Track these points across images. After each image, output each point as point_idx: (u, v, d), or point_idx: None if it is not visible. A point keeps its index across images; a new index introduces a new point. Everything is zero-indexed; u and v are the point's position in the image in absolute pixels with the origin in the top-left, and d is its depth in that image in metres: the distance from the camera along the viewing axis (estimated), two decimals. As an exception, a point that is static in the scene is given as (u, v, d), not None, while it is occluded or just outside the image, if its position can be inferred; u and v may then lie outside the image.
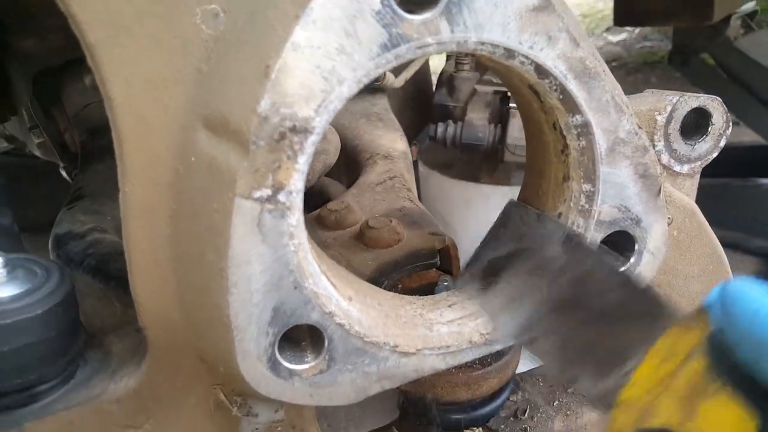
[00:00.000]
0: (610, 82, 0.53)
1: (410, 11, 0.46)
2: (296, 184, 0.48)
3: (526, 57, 0.50)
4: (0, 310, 0.54)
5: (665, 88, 0.75)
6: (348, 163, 1.13)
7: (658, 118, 0.68)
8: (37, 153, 1.57)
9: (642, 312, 0.47)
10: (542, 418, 0.76)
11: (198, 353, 0.58)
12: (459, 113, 1.31)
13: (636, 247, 0.59)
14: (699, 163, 0.72)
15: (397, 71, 1.32)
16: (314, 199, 1.04)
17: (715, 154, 0.72)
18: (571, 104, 0.52)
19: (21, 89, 1.25)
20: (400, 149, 1.11)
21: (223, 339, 0.52)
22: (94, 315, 0.86)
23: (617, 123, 0.53)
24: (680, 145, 0.70)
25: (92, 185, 1.02)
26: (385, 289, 0.78)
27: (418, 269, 0.80)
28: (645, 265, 0.60)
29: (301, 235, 0.50)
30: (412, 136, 1.64)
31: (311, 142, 0.47)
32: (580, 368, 0.49)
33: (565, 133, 0.55)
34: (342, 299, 0.54)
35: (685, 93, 0.69)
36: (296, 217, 0.49)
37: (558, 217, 0.59)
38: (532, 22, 0.49)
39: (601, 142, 0.54)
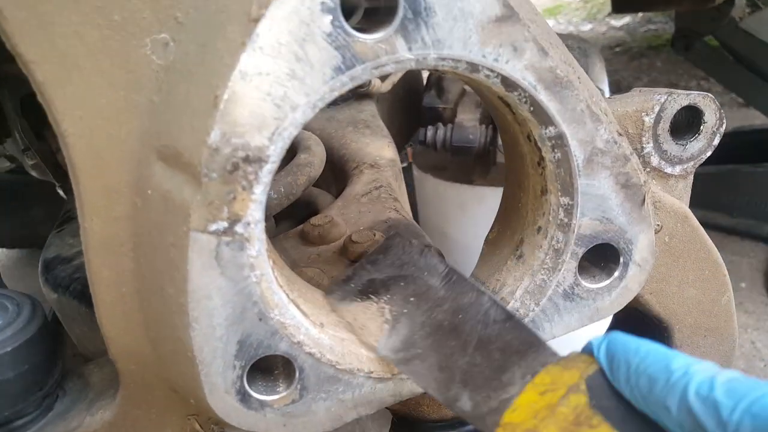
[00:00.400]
0: (585, 90, 0.50)
1: (363, 31, 0.44)
2: (254, 215, 0.46)
3: (491, 70, 0.47)
4: (-32, 350, 0.53)
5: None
6: (336, 174, 1.12)
7: (646, 119, 0.65)
8: (33, 173, 1.57)
9: (521, 347, 0.50)
10: None
11: (169, 385, 0.56)
12: (449, 115, 1.28)
13: (621, 259, 0.57)
14: (692, 163, 0.69)
15: (383, 76, 1.30)
16: (302, 211, 1.02)
17: (708, 153, 0.69)
18: (543, 116, 0.50)
19: (11, 112, 1.25)
20: (388, 157, 1.09)
21: (190, 373, 0.50)
22: (83, 339, 0.86)
23: (594, 133, 0.51)
24: (671, 146, 0.68)
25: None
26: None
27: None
28: (631, 278, 0.57)
29: (263, 265, 0.48)
30: (406, 138, 1.62)
31: (267, 171, 0.45)
32: (460, 390, 0.50)
33: (539, 145, 0.53)
34: (312, 327, 0.52)
35: (674, 91, 0.66)
36: (256, 248, 0.47)
37: (537, 231, 0.57)
38: (495, 33, 0.47)
39: (578, 154, 0.51)
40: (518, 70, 0.48)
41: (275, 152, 0.45)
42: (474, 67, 0.47)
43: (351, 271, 0.63)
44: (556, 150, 0.52)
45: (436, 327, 0.53)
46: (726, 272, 0.69)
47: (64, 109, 0.47)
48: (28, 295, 0.61)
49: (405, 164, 1.85)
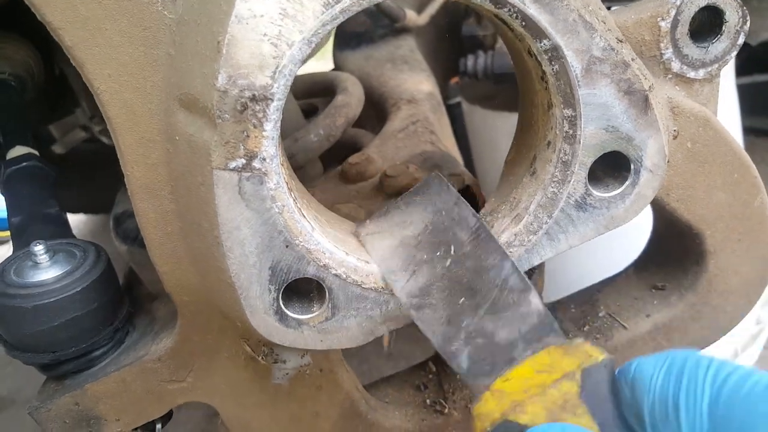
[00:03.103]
0: (575, 0, 0.51)
1: (348, -36, 0.46)
2: (268, 150, 0.50)
3: (478, -11, 0.49)
4: (46, 291, 0.61)
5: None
6: (377, 112, 1.14)
7: (662, 24, 0.64)
8: (103, 139, 1.69)
9: (531, 321, 0.51)
10: (572, 343, 0.76)
11: (219, 311, 0.63)
12: (490, 42, 1.27)
13: (632, 166, 0.57)
14: (716, 65, 0.67)
15: (420, 8, 1.29)
16: (345, 151, 1.06)
17: (734, 54, 0.67)
18: (535, 29, 0.51)
19: (76, 82, 1.34)
20: (426, 90, 1.11)
21: (232, 298, 0.56)
22: (151, 283, 0.95)
23: (589, 42, 0.51)
24: (691, 50, 0.66)
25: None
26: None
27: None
28: (644, 184, 0.58)
29: (284, 197, 0.52)
30: (452, 70, 1.61)
31: (274, 108, 0.49)
32: (461, 347, 0.52)
33: (539, 59, 0.54)
34: (337, 251, 0.57)
35: (690, -9, 0.64)
36: (275, 181, 0.51)
37: (547, 146, 0.58)
38: (481, -48, 0.48)
39: (575, 64, 0.52)
40: (504, -14, 0.49)
41: (279, 89, 0.48)
42: (461, -13, 0.49)
43: (386, 208, 0.65)
44: (553, 62, 0.53)
45: (454, 282, 0.54)
46: (757, 174, 0.68)
47: (94, 69, 0.52)
48: (93, 243, 0.68)
49: (456, 100, 1.84)
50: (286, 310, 0.57)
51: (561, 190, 0.57)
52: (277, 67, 0.47)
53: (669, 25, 0.64)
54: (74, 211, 2.52)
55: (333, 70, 1.35)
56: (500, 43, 1.27)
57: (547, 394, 0.46)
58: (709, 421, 0.38)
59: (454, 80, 1.68)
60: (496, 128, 1.45)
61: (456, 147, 1.19)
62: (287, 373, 0.68)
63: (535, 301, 0.53)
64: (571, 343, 0.50)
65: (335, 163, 1.09)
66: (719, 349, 1.56)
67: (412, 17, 1.23)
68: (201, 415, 1.70)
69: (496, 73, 1.25)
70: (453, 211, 0.59)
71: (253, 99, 0.48)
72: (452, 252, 0.56)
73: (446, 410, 0.77)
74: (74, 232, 0.81)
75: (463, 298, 0.54)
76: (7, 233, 0.78)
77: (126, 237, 0.98)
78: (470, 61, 1.26)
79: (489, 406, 0.48)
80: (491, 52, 1.25)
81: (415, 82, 1.14)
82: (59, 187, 0.86)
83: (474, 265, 0.55)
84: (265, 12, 0.46)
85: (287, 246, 0.54)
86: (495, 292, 0.53)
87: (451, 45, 1.48)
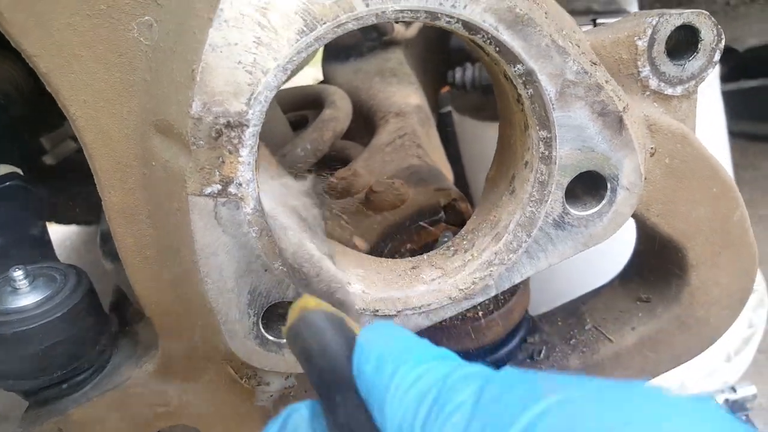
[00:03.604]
0: (550, 25, 0.51)
1: (320, -7, 0.47)
2: (244, 176, 0.50)
3: (450, 16, 0.49)
4: (26, 317, 0.61)
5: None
6: (366, 125, 1.14)
7: (639, 42, 0.64)
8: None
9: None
10: (558, 356, 0.76)
11: (201, 335, 0.63)
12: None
13: (608, 185, 0.57)
14: (693, 82, 0.68)
15: (406, 21, 1.30)
16: (334, 164, 1.06)
17: (710, 71, 0.68)
18: (509, 55, 0.51)
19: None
20: (414, 103, 1.11)
21: (213, 323, 0.56)
22: (138, 303, 0.94)
23: (562, 66, 0.52)
24: (668, 67, 0.67)
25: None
26: (390, 251, 0.80)
27: (424, 227, 0.81)
28: (621, 202, 0.58)
29: (261, 221, 0.52)
30: (441, 82, 1.61)
31: (250, 134, 0.49)
32: None
33: (514, 83, 0.54)
34: (317, 274, 0.57)
35: (666, 11, 0.65)
36: (251, 205, 0.51)
37: (525, 166, 0.58)
38: (452, -22, 0.48)
39: (549, 88, 0.52)
40: (477, 14, 0.49)
41: (254, 116, 0.48)
42: (433, 15, 0.49)
43: None
44: (528, 86, 0.53)
45: None
46: (735, 188, 0.68)
47: (70, 95, 0.52)
48: (73, 266, 0.68)
49: (448, 109, 1.84)
50: (266, 334, 0.57)
51: (539, 210, 0.57)
52: (252, 94, 0.48)
53: (646, 44, 0.64)
54: (66, 222, 2.51)
55: (322, 82, 1.36)
56: (487, 55, 1.27)
57: None
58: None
59: (445, 89, 1.68)
60: (486, 138, 1.45)
61: (445, 159, 1.19)
62: (271, 395, 0.68)
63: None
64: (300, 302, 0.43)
65: (324, 174, 1.09)
66: (713, 353, 1.56)
67: (400, 30, 1.24)
68: None
69: (484, 85, 1.25)
70: None
71: (228, 125, 0.48)
72: None
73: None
74: (66, 243, 0.80)
75: None
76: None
77: (113, 255, 0.98)
78: (458, 73, 1.27)
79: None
80: (479, 63, 1.26)
81: (403, 95, 1.14)
82: (50, 199, 0.85)
83: None
84: (239, 40, 0.46)
85: (266, 270, 0.54)
86: None
87: (439, 57, 1.49)
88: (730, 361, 1.64)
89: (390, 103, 1.13)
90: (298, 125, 1.13)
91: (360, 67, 1.28)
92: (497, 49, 0.51)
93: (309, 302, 0.42)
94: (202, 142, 0.48)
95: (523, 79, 0.52)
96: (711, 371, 1.61)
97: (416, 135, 1.03)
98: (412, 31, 1.31)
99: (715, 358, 1.61)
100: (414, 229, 0.81)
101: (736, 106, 1.72)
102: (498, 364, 0.78)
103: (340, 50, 1.33)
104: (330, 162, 1.02)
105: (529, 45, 0.51)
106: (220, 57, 0.47)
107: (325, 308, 0.41)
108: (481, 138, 1.49)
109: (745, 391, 1.45)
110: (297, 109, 1.21)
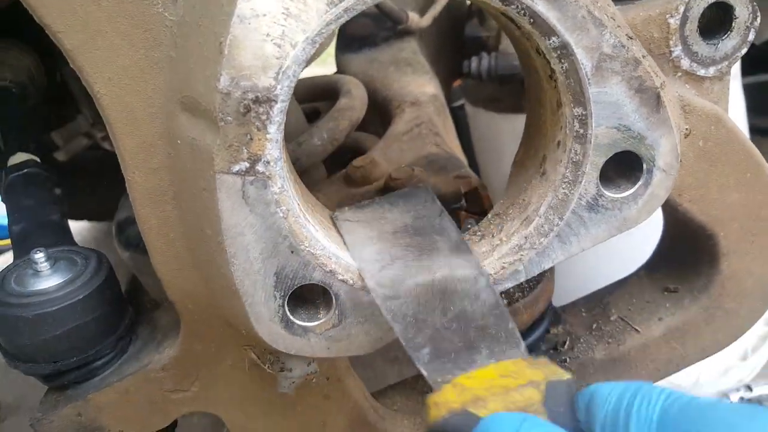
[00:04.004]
0: (585, -4, 0.50)
1: (352, -38, 0.45)
2: (272, 153, 0.49)
3: (485, -13, 0.47)
4: (46, 299, 0.60)
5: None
6: (381, 115, 1.13)
7: (671, 21, 0.63)
8: (105, 145, 1.68)
9: (498, 334, 0.51)
10: (583, 348, 0.75)
11: (224, 319, 0.61)
12: (493, 43, 1.26)
13: (644, 166, 0.56)
14: (726, 63, 0.66)
15: (422, 10, 1.28)
16: (349, 155, 1.05)
17: (744, 51, 0.66)
18: (544, 27, 0.50)
19: (77, 88, 1.33)
20: (429, 93, 1.09)
21: (237, 306, 0.55)
22: (154, 291, 0.93)
23: (599, 39, 0.50)
24: (701, 47, 0.65)
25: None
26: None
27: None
28: (657, 184, 0.56)
29: (288, 200, 0.51)
30: (455, 72, 1.59)
31: (278, 110, 0.48)
32: (425, 341, 0.51)
33: (548, 57, 0.52)
34: (344, 256, 0.56)
35: (699, -13, 0.63)
36: (279, 184, 0.50)
37: (557, 146, 0.57)
38: (488, -52, 0.47)
39: (585, 62, 0.51)
40: (512, -17, 0.47)
41: (283, 91, 0.47)
42: (468, -15, 0.47)
43: (367, 202, 0.65)
44: (563, 60, 0.51)
45: (427, 285, 0.53)
46: (771, 172, 0.66)
47: (94, 72, 0.51)
48: (94, 250, 0.67)
49: (460, 102, 1.82)
50: (291, 317, 0.56)
51: (572, 192, 0.56)
52: (280, 68, 0.46)
53: (678, 22, 0.63)
54: (78, 218, 2.51)
55: (336, 73, 1.34)
56: (504, 45, 1.26)
57: (509, 395, 0.45)
58: (657, 424, 0.39)
59: (457, 83, 1.67)
60: (501, 131, 1.44)
61: (460, 149, 1.18)
62: (293, 382, 0.66)
63: (505, 318, 0.52)
64: (536, 360, 0.49)
65: (339, 167, 1.08)
66: (729, 351, 1.54)
67: (414, 19, 1.22)
68: (207, 422, 1.69)
69: (500, 75, 1.23)
70: (435, 221, 0.59)
71: (257, 101, 0.47)
72: (428, 257, 0.55)
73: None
74: (77, 239, 0.80)
75: (432, 300, 0.53)
76: (8, 241, 0.77)
77: (128, 244, 0.97)
78: (474, 62, 1.25)
79: (448, 396, 0.46)
80: (495, 53, 1.24)
81: (418, 84, 1.12)
82: (62, 195, 0.85)
83: (449, 275, 0.54)
84: (267, 11, 0.45)
85: (292, 251, 0.53)
86: (466, 302, 0.53)
87: (454, 47, 1.47)
88: (747, 360, 1.61)
89: (406, 93, 1.11)
90: (311, 118, 1.12)
91: (374, 56, 1.26)
92: (531, 20, 0.49)
93: (450, 398, 0.45)
94: (230, 118, 0.47)
95: (558, 52, 0.51)
96: (726, 369, 1.59)
97: (433, 123, 1.01)
98: (427, 20, 1.30)
99: (731, 355, 1.59)
100: (435, 216, 0.80)
101: (752, 100, 1.69)
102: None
103: (354, 40, 1.31)
104: (344, 152, 1.01)
105: (565, 16, 0.49)
106: (248, 29, 0.45)
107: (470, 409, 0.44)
108: (496, 131, 1.47)
109: (762, 389, 1.43)
110: (311, 99, 1.19)
